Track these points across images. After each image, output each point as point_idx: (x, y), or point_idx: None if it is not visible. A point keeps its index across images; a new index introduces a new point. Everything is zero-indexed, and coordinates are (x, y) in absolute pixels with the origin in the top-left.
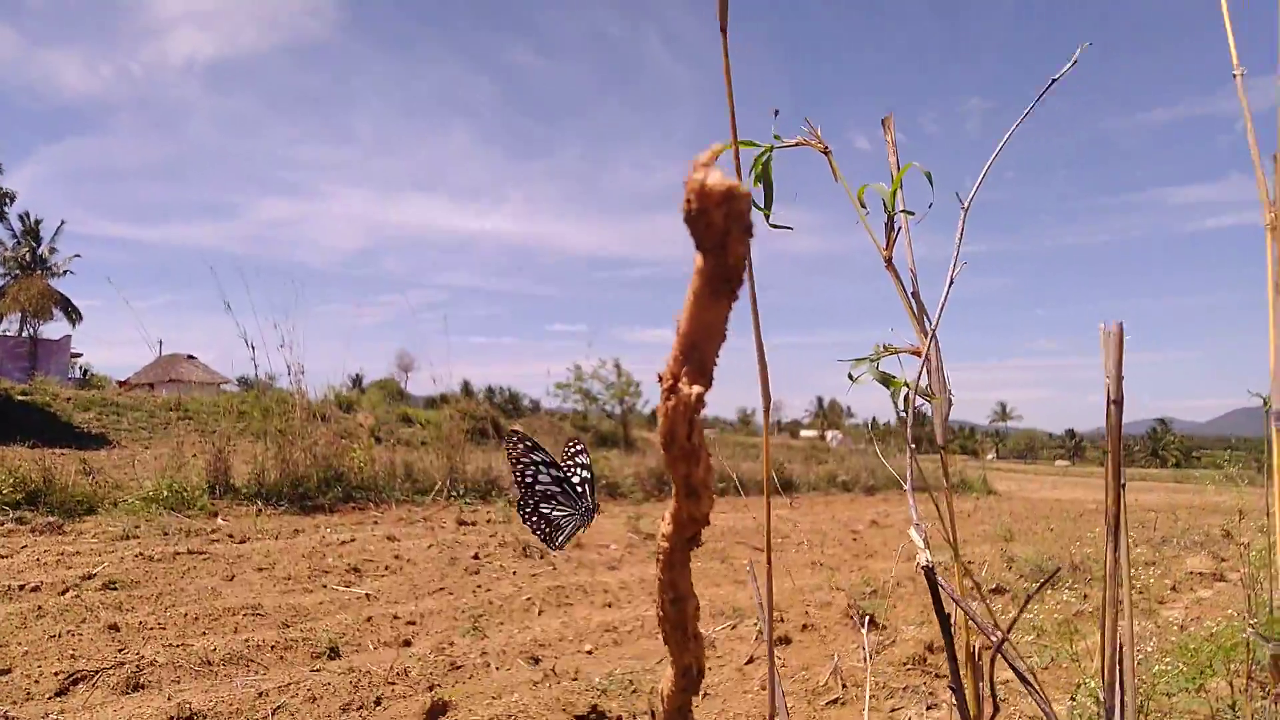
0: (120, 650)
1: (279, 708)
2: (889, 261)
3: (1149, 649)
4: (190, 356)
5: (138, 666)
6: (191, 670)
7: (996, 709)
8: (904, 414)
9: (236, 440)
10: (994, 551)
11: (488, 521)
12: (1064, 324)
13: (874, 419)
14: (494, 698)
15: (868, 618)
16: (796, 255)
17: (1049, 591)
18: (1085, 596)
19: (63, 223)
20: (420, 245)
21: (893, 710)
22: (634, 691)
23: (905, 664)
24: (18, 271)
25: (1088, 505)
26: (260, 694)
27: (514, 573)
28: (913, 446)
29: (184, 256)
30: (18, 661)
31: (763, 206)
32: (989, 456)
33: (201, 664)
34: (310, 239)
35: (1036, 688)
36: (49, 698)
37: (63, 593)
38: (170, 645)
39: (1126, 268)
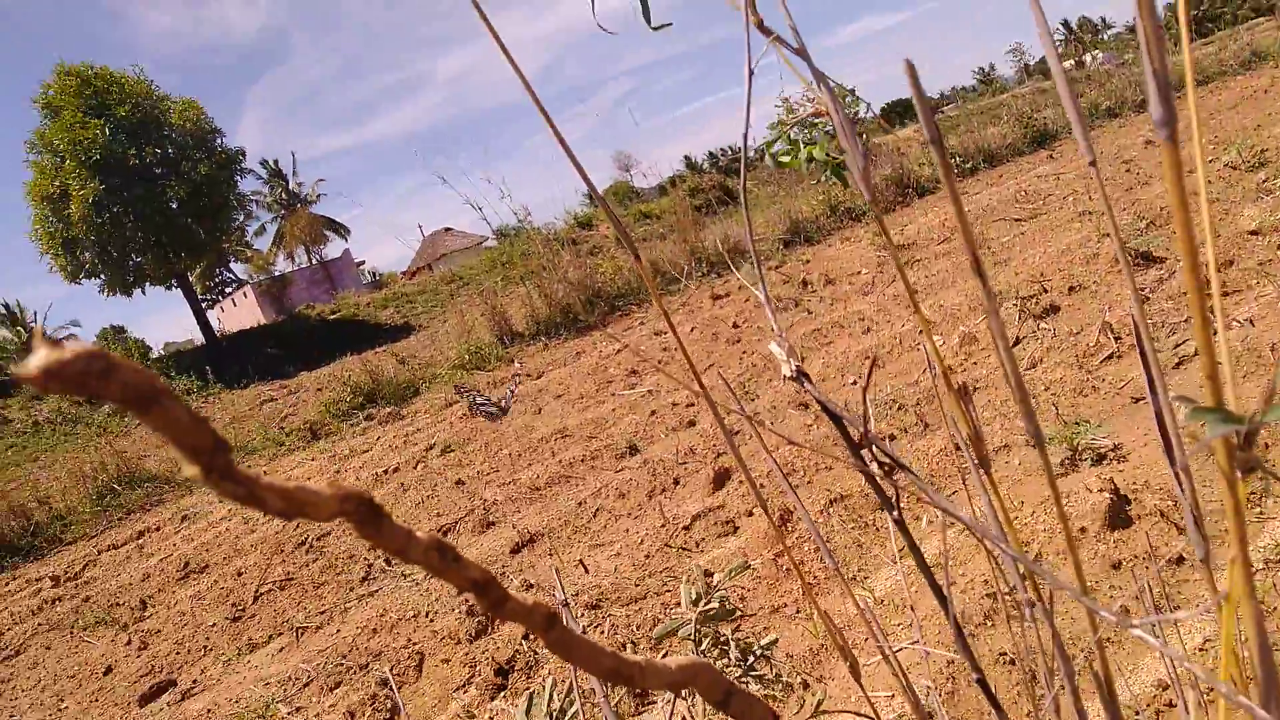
0: (469, 499)
1: (597, 510)
2: (761, 25)
3: None
4: (448, 229)
5: (485, 509)
6: (524, 499)
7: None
8: (820, 179)
9: (505, 290)
10: None
11: (739, 289)
12: None
13: (1134, 18)
14: (772, 450)
15: (1141, 255)
16: None
17: None
18: None
19: (294, 155)
20: (592, 39)
21: (1176, 346)
22: (899, 408)
23: (1184, 294)
24: (283, 211)
25: None
26: (579, 503)
27: (772, 329)
28: (879, 213)
29: (401, 140)
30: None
31: (645, 12)
32: None
33: (531, 491)
34: (493, 79)
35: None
36: None
37: (415, 466)
38: (504, 484)
39: None
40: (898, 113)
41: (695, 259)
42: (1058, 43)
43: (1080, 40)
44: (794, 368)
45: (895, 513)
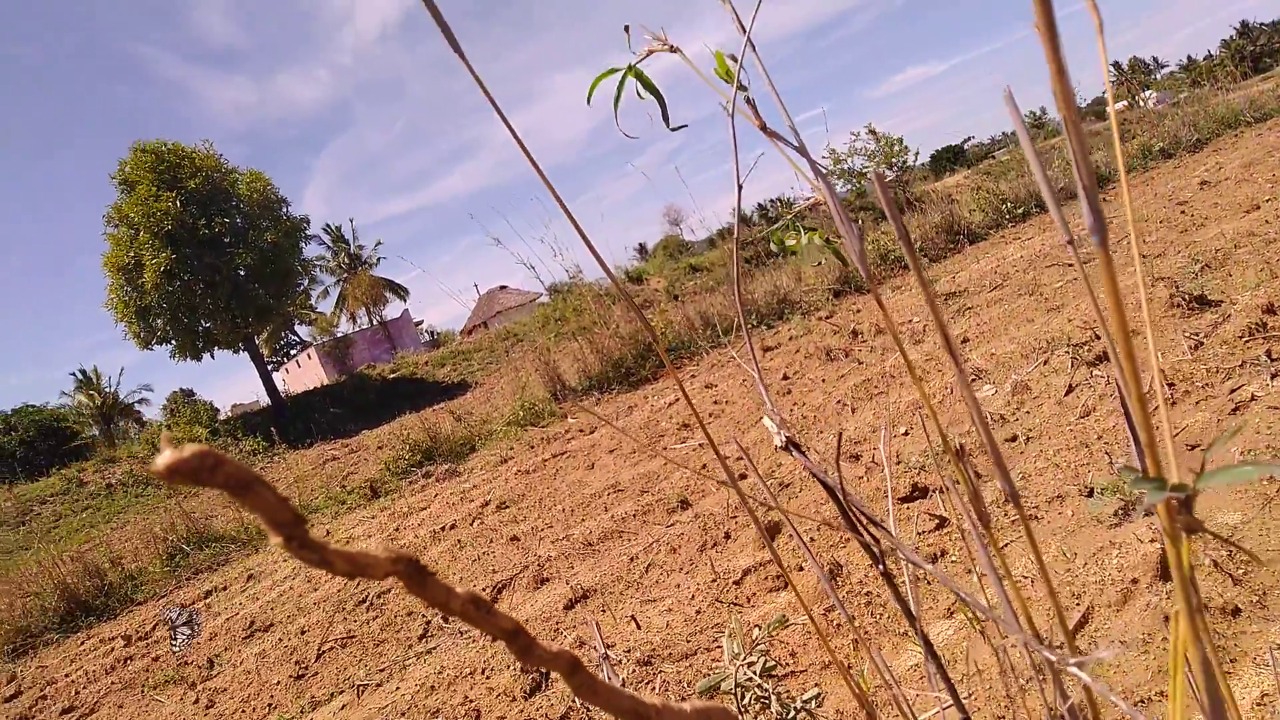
0: (524, 555)
1: (649, 565)
2: (764, 128)
3: None
4: (503, 287)
5: (539, 565)
6: (578, 555)
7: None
8: (818, 264)
9: (558, 346)
10: None
11: (789, 339)
12: None
13: (1188, 57)
14: (821, 504)
15: (1195, 299)
16: None
17: None
18: None
19: (352, 221)
20: (647, 100)
21: (1232, 392)
22: (948, 459)
23: (1241, 337)
24: (345, 274)
25: None
26: (632, 558)
27: (821, 380)
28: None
29: (457, 202)
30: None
31: (663, 116)
32: None
33: (584, 547)
34: (547, 142)
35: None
36: None
37: (471, 523)
38: (558, 540)
39: None
40: (948, 159)
41: (745, 311)
42: (1111, 83)
43: (1131, 81)
44: (783, 439)
45: (880, 566)
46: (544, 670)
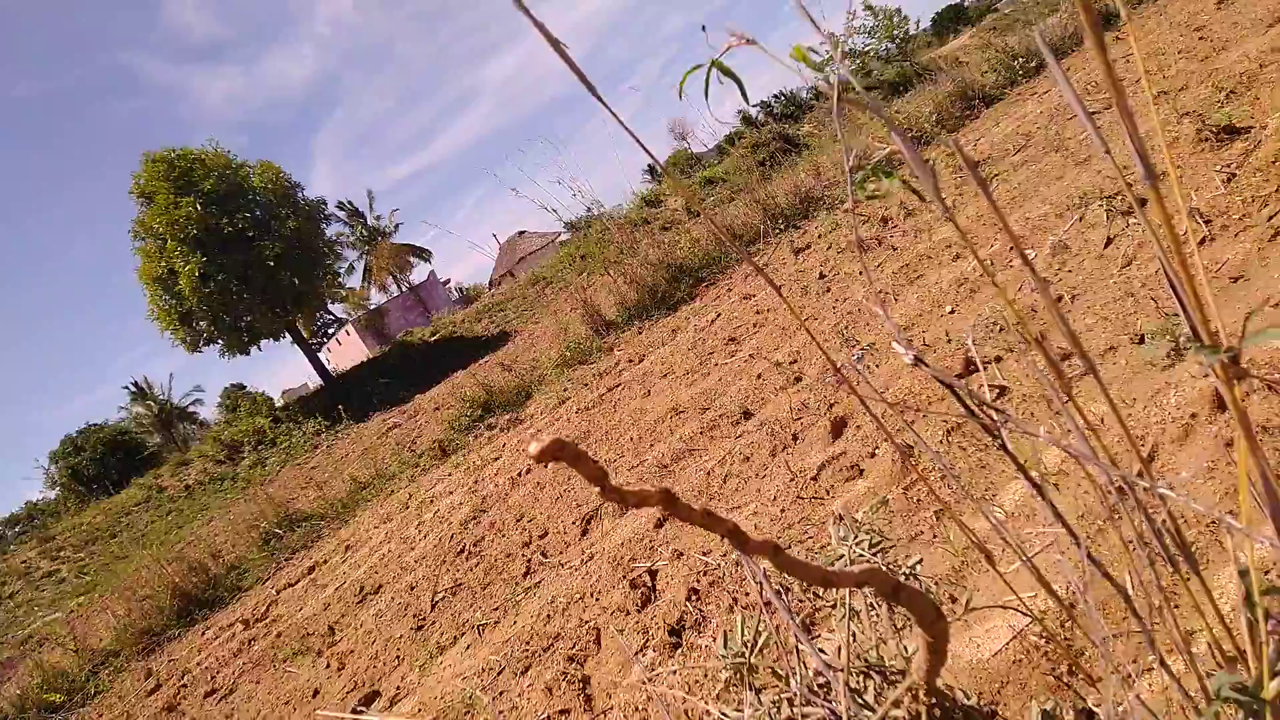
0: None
1: (726, 476)
2: (841, 96)
3: None
4: (521, 232)
5: None
6: (655, 478)
7: None
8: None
9: (589, 282)
10: None
11: (819, 237)
12: None
13: None
14: (883, 391)
15: (1224, 130)
16: None
17: None
18: None
19: (369, 192)
20: (627, 18)
21: (1270, 218)
22: (1000, 329)
23: (1274, 162)
24: (366, 247)
25: None
26: (708, 473)
27: (859, 273)
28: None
29: (466, 153)
30: (546, 524)
31: (742, 95)
32: None
33: (660, 470)
34: (542, 77)
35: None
36: (578, 539)
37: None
38: (633, 467)
39: None
40: (950, 20)
41: (768, 216)
42: None
43: None
44: (911, 357)
45: (999, 441)
46: (651, 585)
